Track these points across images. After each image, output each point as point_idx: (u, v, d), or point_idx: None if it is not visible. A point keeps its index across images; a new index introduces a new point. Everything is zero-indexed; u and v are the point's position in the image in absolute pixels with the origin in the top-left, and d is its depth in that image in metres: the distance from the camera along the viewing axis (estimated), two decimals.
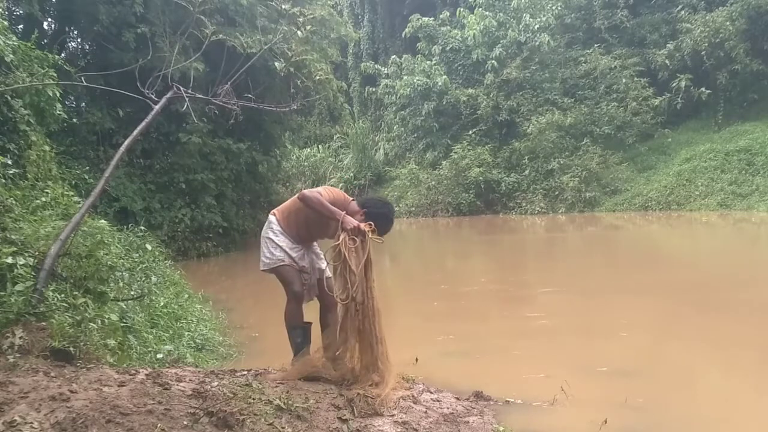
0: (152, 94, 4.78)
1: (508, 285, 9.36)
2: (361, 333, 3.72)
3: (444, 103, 25.78)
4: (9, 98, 6.10)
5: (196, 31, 6.32)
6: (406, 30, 27.45)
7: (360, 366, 3.76)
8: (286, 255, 3.97)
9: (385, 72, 28.13)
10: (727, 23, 21.08)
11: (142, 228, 8.62)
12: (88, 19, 12.72)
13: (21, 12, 12.46)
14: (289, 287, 3.96)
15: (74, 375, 3.14)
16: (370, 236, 3.75)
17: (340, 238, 3.72)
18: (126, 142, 4.64)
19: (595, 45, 24.47)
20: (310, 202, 3.84)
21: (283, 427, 2.97)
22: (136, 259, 6.90)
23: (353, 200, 4.12)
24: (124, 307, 4.79)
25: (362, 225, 3.75)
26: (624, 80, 23.31)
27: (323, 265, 4.19)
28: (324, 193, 3.89)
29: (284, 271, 3.96)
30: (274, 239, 4.00)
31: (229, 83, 5.05)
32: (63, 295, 3.79)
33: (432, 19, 27.49)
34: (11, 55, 6.25)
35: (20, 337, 3.29)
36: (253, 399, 3.14)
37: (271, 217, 4.09)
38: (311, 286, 4.11)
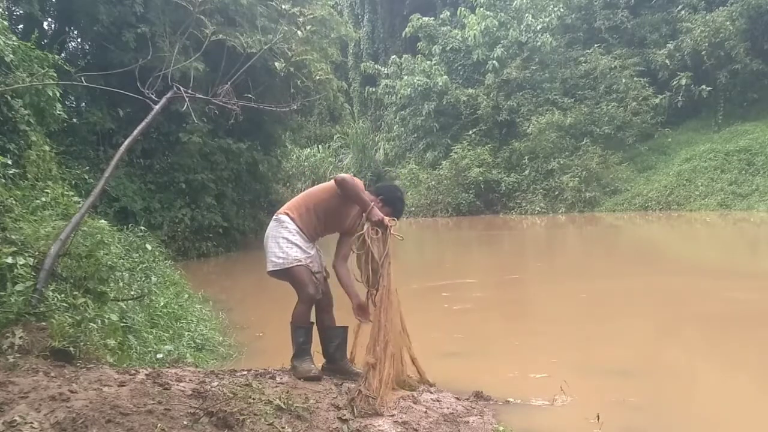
0: (152, 94, 4.77)
1: (508, 284, 9.35)
2: (373, 321, 3.84)
3: (444, 103, 25.77)
4: (9, 98, 6.09)
5: (196, 31, 6.31)
6: (406, 30, 27.45)
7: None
8: (303, 254, 3.87)
9: (385, 72, 28.13)
10: (728, 23, 21.08)
11: (142, 228, 8.60)
12: (88, 19, 12.70)
13: (21, 12, 12.43)
14: (304, 290, 3.85)
15: (74, 375, 3.15)
16: (391, 232, 3.84)
17: (365, 228, 3.82)
18: (126, 142, 4.64)
19: (596, 45, 24.46)
20: (347, 185, 3.82)
21: (283, 427, 2.97)
22: (136, 259, 6.90)
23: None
24: (124, 307, 4.78)
25: (386, 219, 3.82)
26: (624, 80, 23.30)
27: (324, 262, 4.18)
28: (358, 182, 3.91)
29: (298, 271, 3.83)
30: (290, 238, 3.87)
31: (229, 83, 5.04)
32: (63, 295, 3.79)
33: (432, 19, 27.48)
34: (11, 55, 6.24)
35: (20, 337, 3.29)
36: (253, 399, 3.14)
37: (283, 217, 3.93)
38: (319, 284, 4.09)
